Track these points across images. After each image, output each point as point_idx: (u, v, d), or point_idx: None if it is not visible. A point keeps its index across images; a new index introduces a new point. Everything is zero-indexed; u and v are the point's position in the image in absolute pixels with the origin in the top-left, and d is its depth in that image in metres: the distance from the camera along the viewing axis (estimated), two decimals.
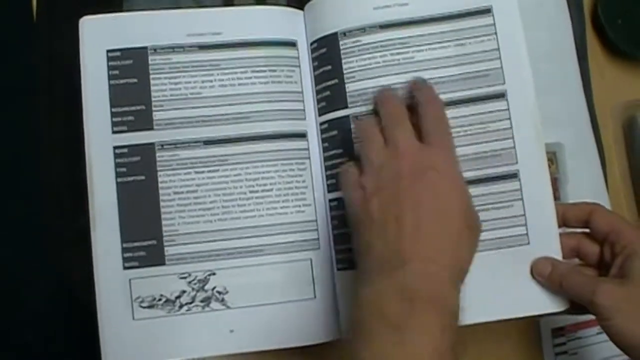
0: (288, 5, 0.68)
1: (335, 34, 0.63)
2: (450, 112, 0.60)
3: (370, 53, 0.62)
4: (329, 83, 0.63)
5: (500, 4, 0.62)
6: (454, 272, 0.50)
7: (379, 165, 0.53)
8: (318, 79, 0.63)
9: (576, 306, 0.58)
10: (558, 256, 0.60)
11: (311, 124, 0.64)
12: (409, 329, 0.46)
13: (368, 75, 0.62)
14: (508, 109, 0.61)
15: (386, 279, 0.49)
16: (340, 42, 0.62)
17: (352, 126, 0.61)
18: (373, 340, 0.47)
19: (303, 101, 0.64)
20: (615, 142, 0.78)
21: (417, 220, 0.50)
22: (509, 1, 0.62)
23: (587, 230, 0.60)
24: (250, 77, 0.63)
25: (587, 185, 0.74)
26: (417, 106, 0.56)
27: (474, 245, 0.53)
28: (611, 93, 0.78)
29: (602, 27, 0.78)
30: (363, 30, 0.62)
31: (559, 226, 0.60)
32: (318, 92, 0.63)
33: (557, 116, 0.71)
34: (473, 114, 0.61)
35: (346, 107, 0.62)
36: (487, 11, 0.62)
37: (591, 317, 0.56)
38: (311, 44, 0.64)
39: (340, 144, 0.62)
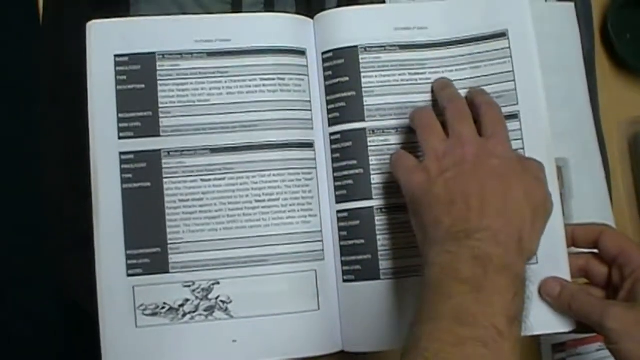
0: (297, 13, 0.68)
1: (356, 47, 0.63)
2: None
3: (389, 70, 0.63)
4: (345, 95, 0.63)
5: (516, 29, 0.63)
6: (520, 246, 0.51)
7: (443, 152, 0.55)
8: (330, 89, 0.63)
9: (583, 326, 0.58)
10: (567, 277, 0.59)
11: (318, 134, 0.63)
12: (485, 289, 0.47)
13: (386, 91, 0.63)
14: (520, 129, 0.62)
15: (459, 244, 0.50)
16: (361, 57, 0.63)
17: (411, 114, 0.61)
18: (452, 297, 0.47)
19: (311, 110, 0.64)
20: (620, 157, 0.78)
21: (482, 199, 0.51)
22: (524, 26, 0.63)
23: (595, 250, 0.60)
24: (259, 85, 0.63)
25: (592, 201, 0.73)
26: (477, 108, 0.58)
27: (538, 228, 0.54)
28: (618, 108, 0.78)
29: (611, 42, 0.78)
30: (384, 48, 0.63)
31: (568, 246, 0.60)
32: (330, 103, 0.63)
33: (563, 131, 0.71)
34: None
35: (363, 120, 0.62)
36: (502, 35, 0.63)
37: (592, 333, 0.57)
38: (324, 53, 0.64)
39: (356, 156, 0.62)
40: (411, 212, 0.56)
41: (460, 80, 0.63)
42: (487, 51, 0.63)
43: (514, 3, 0.64)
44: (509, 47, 0.63)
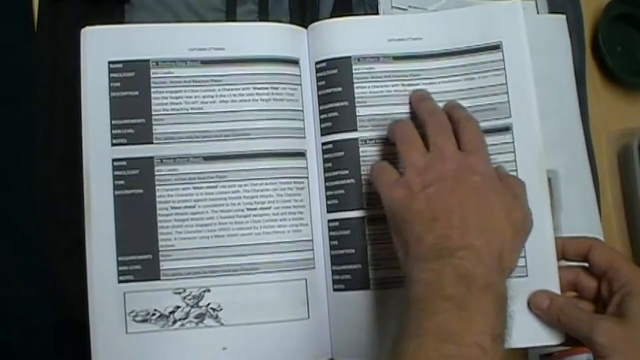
0: (292, 23, 0.68)
1: (349, 58, 0.63)
2: None
3: (383, 81, 0.63)
4: (338, 105, 0.63)
5: (510, 42, 0.63)
6: (501, 265, 0.51)
7: (424, 167, 0.54)
8: (324, 99, 0.63)
9: (572, 339, 0.58)
10: (556, 290, 0.60)
11: (311, 144, 0.64)
12: (469, 308, 0.47)
13: (379, 102, 0.63)
14: (513, 142, 0.62)
15: (442, 262, 0.50)
16: (354, 67, 0.63)
17: (390, 127, 0.61)
18: (436, 314, 0.47)
19: (304, 120, 0.64)
20: (609, 170, 0.78)
21: (465, 217, 0.51)
22: (519, 39, 0.63)
23: (585, 264, 0.61)
24: (252, 94, 0.63)
25: (581, 212, 0.74)
26: (456, 123, 0.58)
27: (518, 247, 0.54)
28: (607, 120, 0.79)
29: (602, 55, 0.78)
30: (377, 59, 0.63)
31: (558, 259, 0.60)
32: (322, 112, 0.63)
33: (553, 142, 0.71)
34: None
35: (355, 130, 0.62)
36: (497, 47, 0.63)
37: (581, 346, 0.57)
38: (317, 63, 0.64)
39: (348, 166, 0.62)
40: (392, 228, 0.56)
41: (454, 92, 0.63)
42: (482, 63, 0.64)
43: (509, 16, 0.64)
44: (503, 60, 0.63)
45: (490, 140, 0.61)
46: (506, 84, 0.63)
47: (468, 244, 0.50)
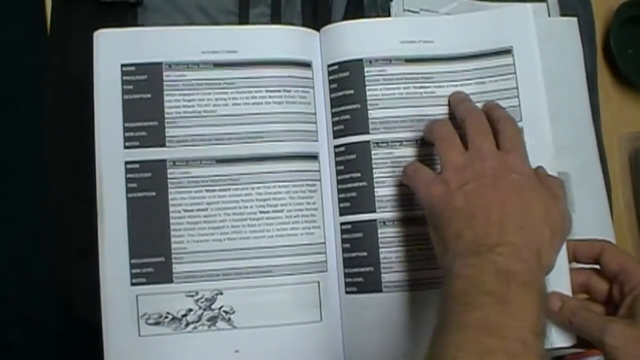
0: (304, 25, 0.68)
1: (361, 60, 0.63)
2: None
3: (394, 83, 0.63)
4: (350, 107, 0.63)
5: (521, 46, 0.64)
6: (540, 263, 0.51)
7: (462, 164, 0.55)
8: (335, 102, 0.64)
9: (583, 341, 0.58)
10: (568, 292, 0.60)
11: (323, 146, 0.64)
12: (510, 303, 0.47)
13: (391, 104, 0.63)
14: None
15: (481, 258, 0.50)
16: (366, 69, 0.63)
17: (428, 127, 0.61)
18: (478, 308, 0.47)
19: (316, 122, 0.64)
20: (620, 172, 0.78)
21: (503, 213, 0.52)
22: (529, 43, 0.64)
23: (597, 266, 0.61)
24: (265, 97, 0.63)
25: (592, 215, 0.74)
26: (495, 123, 0.58)
27: (556, 246, 0.55)
28: (618, 123, 0.79)
29: (613, 58, 0.78)
30: (389, 61, 0.63)
31: (569, 262, 0.60)
32: (335, 115, 0.64)
33: (564, 145, 0.71)
34: None
35: (367, 132, 0.62)
36: (507, 52, 0.64)
37: (592, 348, 0.57)
38: (329, 65, 0.64)
39: (360, 168, 0.62)
40: (430, 225, 0.56)
41: None
42: (492, 67, 0.64)
43: (520, 20, 0.64)
44: (514, 64, 0.63)
45: None
46: (517, 87, 0.63)
47: (506, 240, 0.50)
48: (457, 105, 0.61)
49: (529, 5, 0.64)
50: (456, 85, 0.64)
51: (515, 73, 0.63)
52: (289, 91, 0.63)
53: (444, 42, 0.64)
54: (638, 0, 0.80)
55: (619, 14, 0.79)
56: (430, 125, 0.61)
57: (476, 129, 0.57)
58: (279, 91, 0.63)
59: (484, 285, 0.48)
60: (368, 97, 0.63)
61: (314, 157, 0.63)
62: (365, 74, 0.63)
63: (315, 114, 0.64)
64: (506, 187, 0.53)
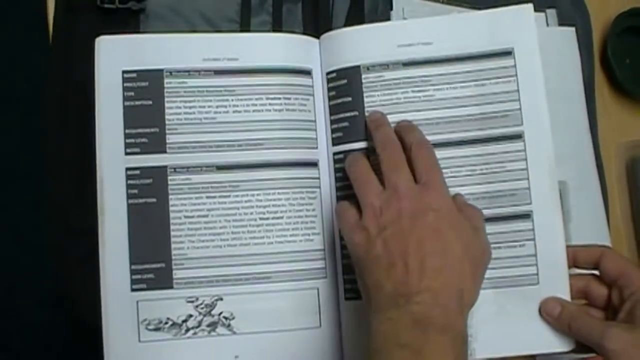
0: (305, 33, 0.68)
1: (358, 67, 0.63)
2: (467, 151, 0.62)
3: (392, 89, 0.63)
4: (348, 114, 0.63)
5: (522, 48, 0.63)
6: (461, 303, 0.52)
7: (380, 207, 0.55)
8: (334, 109, 0.64)
9: (582, 346, 0.59)
10: (567, 297, 0.60)
11: (322, 153, 0.64)
12: (425, 352, 0.48)
13: (389, 110, 0.63)
14: (525, 150, 0.62)
15: (399, 311, 0.50)
16: (363, 76, 0.63)
17: (347, 163, 0.61)
18: None
19: (316, 130, 0.64)
20: (617, 181, 0.78)
21: (421, 257, 0.52)
22: (530, 45, 0.63)
23: (596, 272, 0.61)
24: (265, 104, 0.63)
25: (590, 223, 0.74)
26: (408, 150, 0.58)
27: (478, 280, 0.55)
28: (616, 132, 0.79)
29: (611, 67, 0.78)
30: (386, 66, 0.63)
31: (569, 267, 0.61)
32: (333, 122, 0.64)
33: (562, 154, 0.71)
34: (490, 154, 0.62)
35: (365, 140, 0.62)
36: (508, 53, 0.63)
37: (591, 353, 0.58)
38: (328, 73, 0.64)
39: None
40: (356, 271, 0.57)
41: (464, 97, 0.63)
42: (492, 69, 0.63)
43: (520, 21, 0.64)
44: (515, 66, 0.63)
45: (501, 147, 0.62)
46: (517, 90, 0.63)
47: (425, 286, 0.51)
48: (373, 132, 0.61)
49: (530, 5, 0.64)
50: (455, 88, 0.63)
51: (516, 75, 0.63)
52: (289, 99, 0.63)
53: (443, 44, 0.64)
54: (636, 11, 0.80)
55: (616, 23, 0.80)
56: (348, 163, 0.60)
57: (391, 164, 0.57)
58: (279, 99, 0.63)
59: (399, 339, 0.49)
60: (365, 104, 0.63)
61: (313, 164, 0.64)
62: (363, 80, 0.63)
63: (315, 121, 0.64)
64: (423, 228, 0.53)
